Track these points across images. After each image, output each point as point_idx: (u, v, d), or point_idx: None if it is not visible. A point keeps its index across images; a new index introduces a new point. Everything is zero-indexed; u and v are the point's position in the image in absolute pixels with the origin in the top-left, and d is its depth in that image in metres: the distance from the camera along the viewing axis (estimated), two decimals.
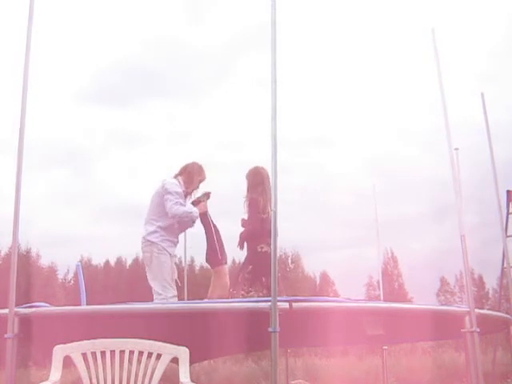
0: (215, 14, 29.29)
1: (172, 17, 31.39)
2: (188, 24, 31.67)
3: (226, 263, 5.26)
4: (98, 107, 33.61)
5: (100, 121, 31.95)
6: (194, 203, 5.18)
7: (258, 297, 4.59)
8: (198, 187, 5.26)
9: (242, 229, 5.27)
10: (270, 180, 4.95)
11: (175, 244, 5.15)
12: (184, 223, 5.19)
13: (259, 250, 4.96)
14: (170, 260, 5.01)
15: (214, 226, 5.25)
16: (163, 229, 5.00)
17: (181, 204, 4.99)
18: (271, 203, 4.79)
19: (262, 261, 4.73)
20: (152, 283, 4.95)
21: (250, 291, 4.82)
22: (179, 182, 5.12)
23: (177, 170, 5.28)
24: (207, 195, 5.26)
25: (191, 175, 5.20)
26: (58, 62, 25.99)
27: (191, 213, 5.05)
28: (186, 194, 5.16)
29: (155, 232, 4.98)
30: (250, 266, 5.01)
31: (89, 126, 31.55)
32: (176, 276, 5.09)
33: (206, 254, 5.28)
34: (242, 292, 4.86)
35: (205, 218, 5.22)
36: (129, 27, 30.48)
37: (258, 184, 5.15)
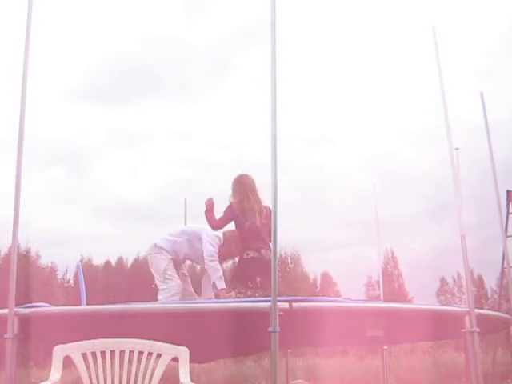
0: (214, 12, 29.34)
1: (171, 15, 31.36)
2: (187, 23, 31.63)
3: None
4: (97, 106, 33.63)
5: (99, 120, 31.93)
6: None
7: (255, 296, 4.60)
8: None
9: None
10: (255, 186, 5.10)
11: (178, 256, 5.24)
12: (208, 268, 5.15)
13: (245, 256, 4.97)
14: (167, 257, 5.11)
15: None
16: (173, 244, 5.18)
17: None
18: (258, 209, 4.94)
19: (249, 267, 4.88)
20: (156, 281, 5.10)
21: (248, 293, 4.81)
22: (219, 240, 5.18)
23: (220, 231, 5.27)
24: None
25: (229, 250, 5.19)
26: (57, 61, 25.97)
27: (218, 272, 5.00)
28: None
29: (164, 239, 5.19)
30: (239, 274, 5.03)
31: (88, 126, 31.58)
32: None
33: None
34: (240, 295, 4.82)
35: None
36: (127, 26, 30.50)
37: (240, 192, 5.15)
